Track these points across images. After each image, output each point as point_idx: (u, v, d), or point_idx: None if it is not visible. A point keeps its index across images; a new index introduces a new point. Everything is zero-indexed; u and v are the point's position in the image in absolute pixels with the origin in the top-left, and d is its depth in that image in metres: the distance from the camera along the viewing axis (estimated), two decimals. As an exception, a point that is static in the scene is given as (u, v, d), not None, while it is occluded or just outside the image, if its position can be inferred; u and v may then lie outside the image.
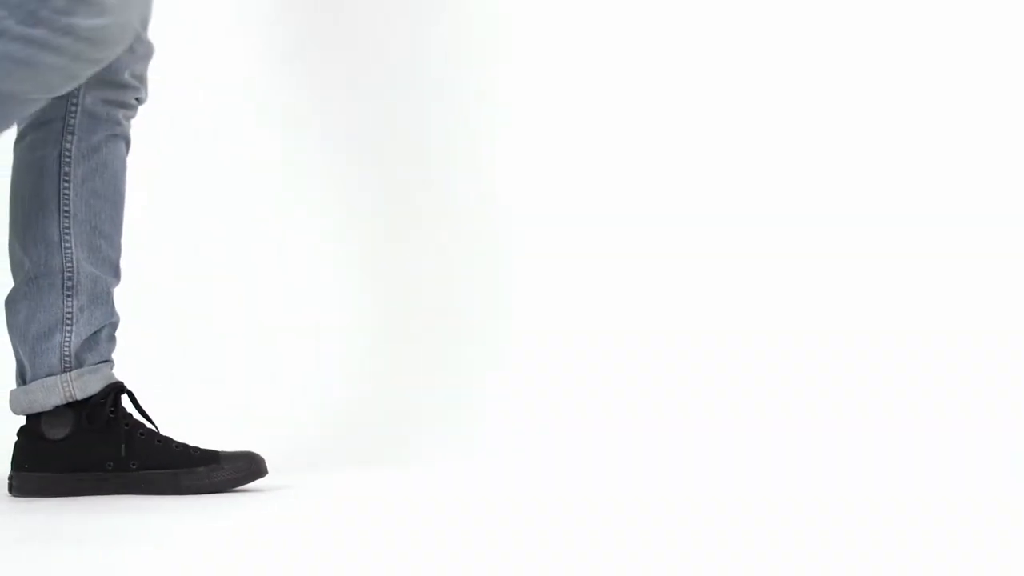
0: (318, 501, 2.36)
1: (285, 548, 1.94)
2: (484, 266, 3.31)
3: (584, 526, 2.10)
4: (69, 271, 2.48)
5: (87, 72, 2.31)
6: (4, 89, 2.25)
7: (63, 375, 2.47)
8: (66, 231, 2.47)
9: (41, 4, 2.23)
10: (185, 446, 2.47)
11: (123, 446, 2.45)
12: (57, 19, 2.23)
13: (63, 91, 2.34)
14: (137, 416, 2.49)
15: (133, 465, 2.45)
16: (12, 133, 2.55)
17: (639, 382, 3.18)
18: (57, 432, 2.45)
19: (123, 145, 2.54)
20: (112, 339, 2.53)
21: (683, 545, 1.95)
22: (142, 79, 2.53)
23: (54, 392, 2.46)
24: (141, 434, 2.47)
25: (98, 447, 2.46)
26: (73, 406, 2.47)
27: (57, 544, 2.01)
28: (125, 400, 2.49)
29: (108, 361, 2.52)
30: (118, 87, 2.49)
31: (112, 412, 2.47)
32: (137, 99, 2.54)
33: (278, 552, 1.92)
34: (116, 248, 2.53)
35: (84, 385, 2.47)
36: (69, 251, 2.47)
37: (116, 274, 2.53)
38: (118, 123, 2.51)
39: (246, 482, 2.47)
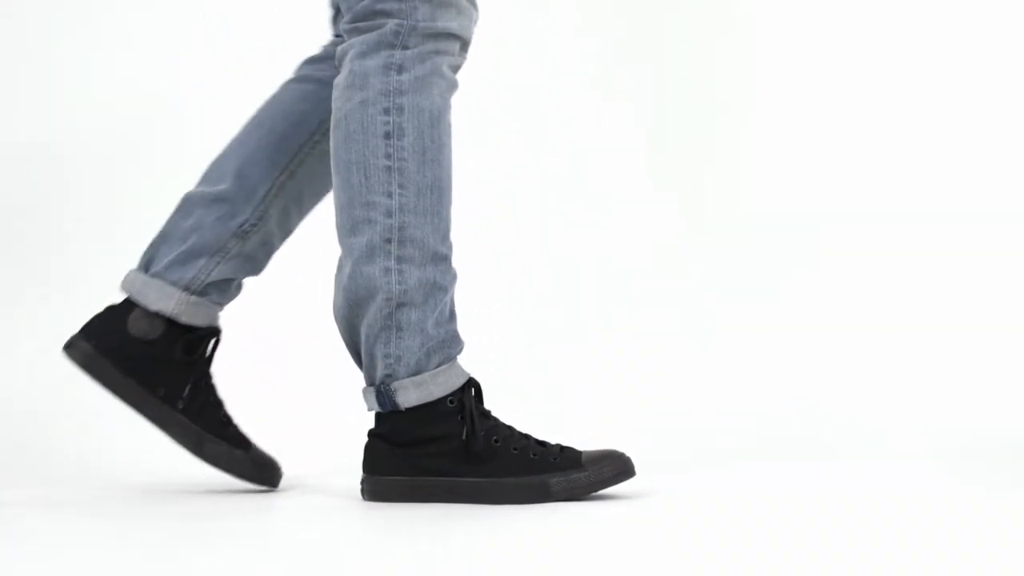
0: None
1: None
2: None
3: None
4: (257, 217, 2.44)
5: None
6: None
7: (183, 292, 2.43)
8: (284, 182, 2.44)
9: None
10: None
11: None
12: None
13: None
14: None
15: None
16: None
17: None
18: (145, 332, 2.42)
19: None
20: (239, 290, 2.49)
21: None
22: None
23: (166, 300, 2.42)
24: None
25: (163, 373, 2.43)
26: (169, 323, 2.43)
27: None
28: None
29: (222, 306, 2.47)
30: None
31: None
32: None
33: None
34: (301, 219, 2.49)
35: (192, 313, 2.44)
36: (273, 199, 2.44)
37: (284, 238, 2.49)
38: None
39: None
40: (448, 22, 2.26)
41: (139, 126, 3.58)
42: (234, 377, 3.27)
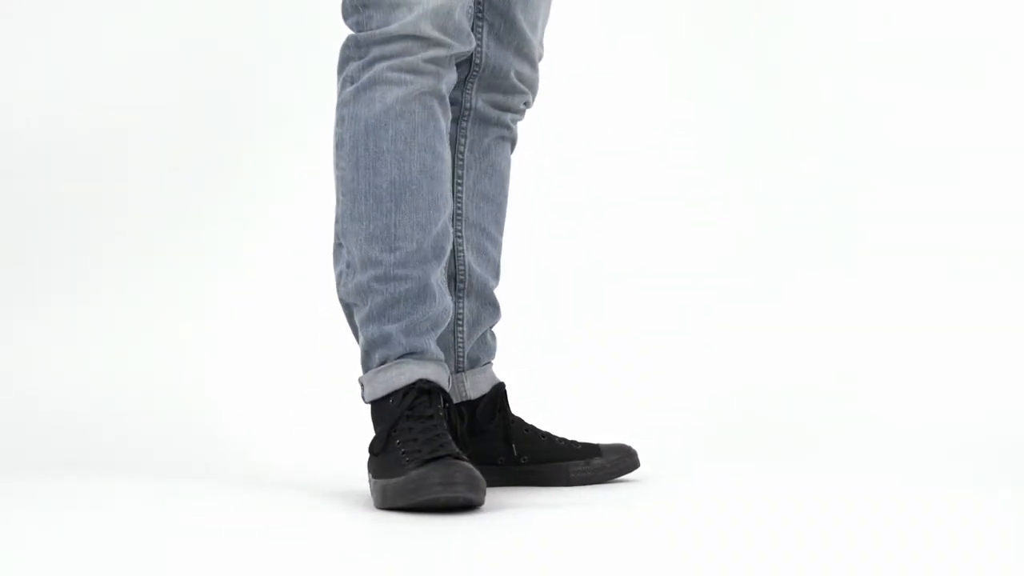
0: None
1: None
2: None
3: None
4: (461, 274, 2.46)
5: None
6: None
7: (458, 375, 2.46)
8: (458, 235, 2.45)
9: None
10: (565, 439, 2.48)
11: (513, 443, 2.45)
12: None
13: None
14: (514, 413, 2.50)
15: (524, 460, 2.46)
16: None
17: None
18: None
19: (509, 147, 2.51)
20: (495, 338, 2.52)
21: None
22: (529, 82, 2.48)
23: (453, 391, 2.45)
24: (525, 430, 2.48)
25: (490, 443, 2.46)
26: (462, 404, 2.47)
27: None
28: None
29: (491, 362, 2.51)
30: (506, 91, 2.46)
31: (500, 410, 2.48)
32: (525, 103, 2.50)
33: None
34: (499, 249, 2.51)
35: (475, 384, 2.47)
36: (461, 255, 2.46)
37: (497, 275, 2.51)
38: (507, 126, 2.49)
39: (624, 473, 2.48)
40: (396, 23, 2.25)
41: (141, 127, 3.58)
42: (235, 376, 3.28)
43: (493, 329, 2.52)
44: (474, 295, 2.47)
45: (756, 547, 1.93)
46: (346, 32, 2.31)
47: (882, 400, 3.16)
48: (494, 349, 2.52)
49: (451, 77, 2.30)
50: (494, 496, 2.29)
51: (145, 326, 3.41)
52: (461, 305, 2.46)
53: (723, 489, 2.41)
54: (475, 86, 2.44)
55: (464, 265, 2.46)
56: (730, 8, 3.60)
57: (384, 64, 2.26)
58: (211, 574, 1.82)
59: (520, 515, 2.18)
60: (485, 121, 2.46)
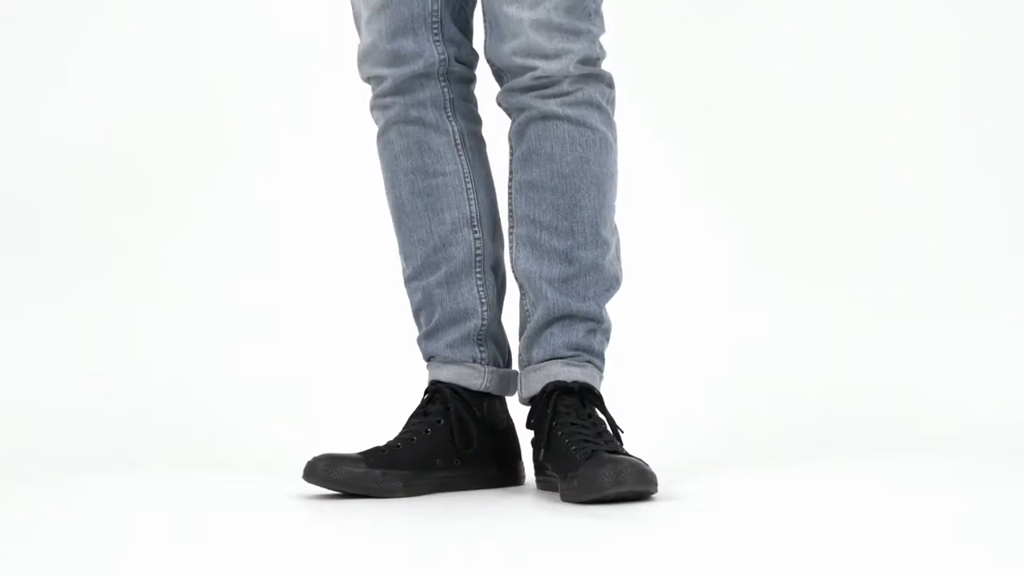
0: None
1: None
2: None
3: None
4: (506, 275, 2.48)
5: None
6: None
7: (520, 371, 2.42)
8: (510, 233, 2.44)
9: None
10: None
11: (542, 449, 2.32)
12: None
13: None
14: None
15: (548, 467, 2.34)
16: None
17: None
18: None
19: (551, 124, 2.38)
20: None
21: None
22: (527, 51, 2.35)
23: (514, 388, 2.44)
24: (562, 435, 2.31)
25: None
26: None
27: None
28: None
29: (554, 359, 2.39)
30: (514, 73, 2.39)
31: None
32: (539, 77, 2.36)
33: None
34: (565, 236, 2.38)
35: (528, 384, 2.40)
36: (511, 254, 2.45)
37: (566, 260, 2.38)
38: (529, 107, 2.39)
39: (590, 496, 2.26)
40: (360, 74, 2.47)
41: (141, 127, 3.58)
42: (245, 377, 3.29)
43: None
44: (529, 292, 2.39)
45: (757, 548, 1.93)
46: None
47: (884, 402, 3.16)
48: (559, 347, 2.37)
49: (422, 95, 2.42)
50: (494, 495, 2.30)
51: (145, 326, 3.41)
52: (526, 302, 2.40)
53: (723, 490, 2.40)
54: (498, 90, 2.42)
55: (512, 264, 2.42)
56: (734, 9, 3.60)
57: (370, 106, 2.47)
58: (211, 574, 1.82)
59: (522, 516, 2.18)
60: (511, 110, 2.42)
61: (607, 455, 2.23)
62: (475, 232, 2.43)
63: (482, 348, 2.43)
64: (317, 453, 2.34)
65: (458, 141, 2.44)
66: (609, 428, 2.31)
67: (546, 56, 2.34)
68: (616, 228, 2.42)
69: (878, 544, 1.92)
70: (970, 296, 3.42)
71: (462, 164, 2.44)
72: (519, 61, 2.36)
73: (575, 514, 2.15)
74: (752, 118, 3.59)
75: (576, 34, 2.34)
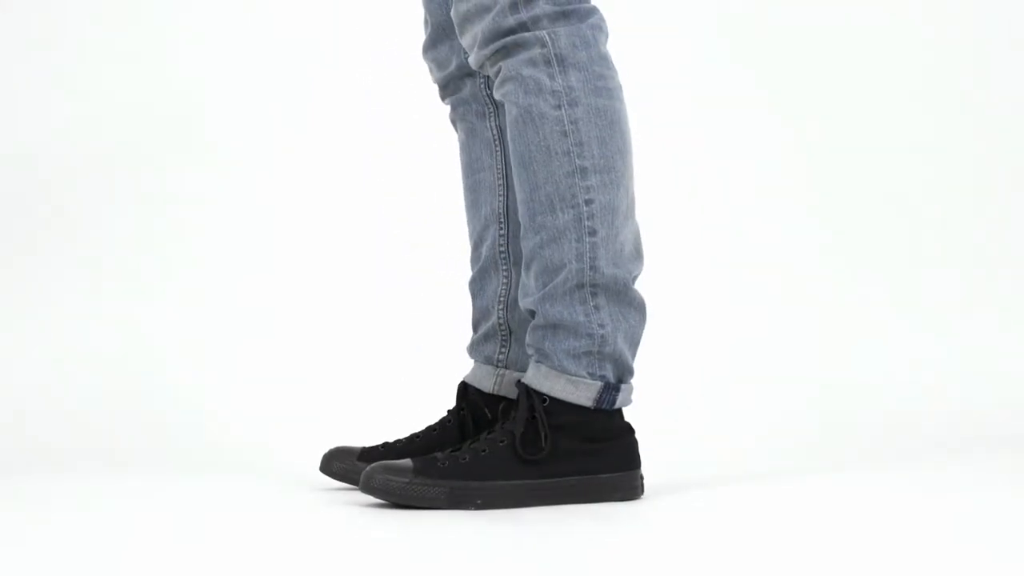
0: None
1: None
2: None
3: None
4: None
5: None
6: None
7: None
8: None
9: None
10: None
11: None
12: None
13: None
14: None
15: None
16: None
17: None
18: None
19: (510, 117, 2.29)
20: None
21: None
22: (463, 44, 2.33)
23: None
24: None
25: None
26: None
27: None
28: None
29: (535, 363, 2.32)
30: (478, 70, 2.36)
31: None
32: (479, 66, 2.30)
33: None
34: (530, 234, 2.29)
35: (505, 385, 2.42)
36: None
37: (523, 263, 2.33)
38: (496, 102, 2.41)
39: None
40: None
41: (141, 128, 3.58)
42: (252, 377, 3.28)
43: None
44: (522, 293, 2.32)
45: (757, 548, 1.93)
46: None
47: (885, 402, 3.16)
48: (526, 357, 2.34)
49: (464, 93, 2.44)
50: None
51: (144, 326, 3.41)
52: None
53: (724, 491, 2.40)
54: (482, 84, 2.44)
55: (507, 267, 2.42)
56: (742, 14, 3.60)
57: None
58: (210, 574, 1.82)
59: (522, 515, 2.18)
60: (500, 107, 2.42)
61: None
62: (500, 228, 2.42)
63: (504, 348, 2.39)
64: (327, 448, 2.40)
65: (495, 136, 2.44)
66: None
67: (467, 50, 2.30)
68: (575, 196, 2.23)
69: (878, 544, 1.92)
70: (970, 296, 3.42)
71: (497, 159, 2.44)
72: (470, 64, 2.33)
73: (575, 514, 2.15)
74: (752, 118, 3.59)
75: (478, 14, 2.23)
